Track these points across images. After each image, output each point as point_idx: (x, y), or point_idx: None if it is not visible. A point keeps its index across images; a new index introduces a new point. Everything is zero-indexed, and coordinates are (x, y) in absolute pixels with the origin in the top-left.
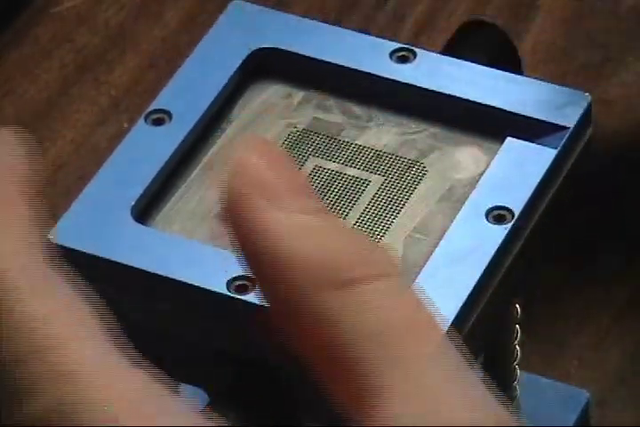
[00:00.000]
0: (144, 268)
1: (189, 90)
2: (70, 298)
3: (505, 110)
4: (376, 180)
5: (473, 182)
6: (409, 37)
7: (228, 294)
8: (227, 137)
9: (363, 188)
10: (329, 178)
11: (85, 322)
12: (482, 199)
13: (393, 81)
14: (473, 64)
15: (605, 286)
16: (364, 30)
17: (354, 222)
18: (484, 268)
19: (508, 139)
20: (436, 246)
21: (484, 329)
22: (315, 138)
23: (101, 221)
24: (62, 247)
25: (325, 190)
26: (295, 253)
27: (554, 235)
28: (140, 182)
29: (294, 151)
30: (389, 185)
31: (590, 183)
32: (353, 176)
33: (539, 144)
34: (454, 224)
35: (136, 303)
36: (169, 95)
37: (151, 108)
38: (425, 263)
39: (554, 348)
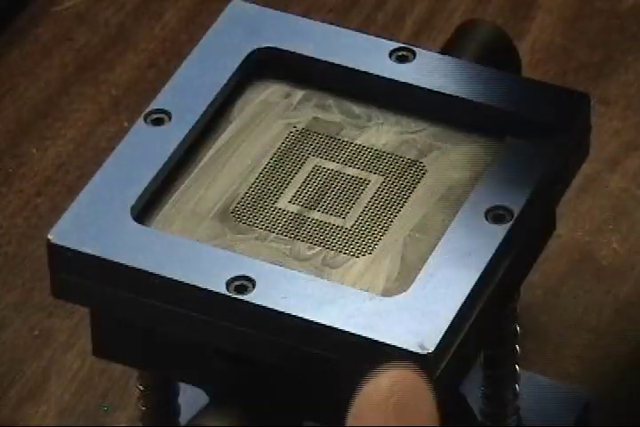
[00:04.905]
0: (144, 268)
1: (189, 90)
2: None
3: (504, 110)
4: (375, 179)
5: (472, 182)
6: (409, 37)
7: (228, 293)
8: (226, 137)
9: (362, 187)
10: (328, 178)
11: None
12: (481, 199)
13: (392, 81)
14: (473, 64)
15: (605, 285)
16: (364, 30)
17: (354, 222)
18: (483, 267)
19: (508, 138)
20: (435, 246)
21: (484, 329)
22: (314, 138)
23: (101, 221)
24: (62, 247)
25: (325, 190)
26: None
27: (552, 234)
28: (139, 182)
29: (294, 151)
30: (389, 185)
31: (590, 182)
32: (352, 176)
33: (538, 144)
34: (454, 224)
35: (136, 303)
36: (168, 95)
37: (151, 107)
38: (424, 263)
39: (554, 348)
